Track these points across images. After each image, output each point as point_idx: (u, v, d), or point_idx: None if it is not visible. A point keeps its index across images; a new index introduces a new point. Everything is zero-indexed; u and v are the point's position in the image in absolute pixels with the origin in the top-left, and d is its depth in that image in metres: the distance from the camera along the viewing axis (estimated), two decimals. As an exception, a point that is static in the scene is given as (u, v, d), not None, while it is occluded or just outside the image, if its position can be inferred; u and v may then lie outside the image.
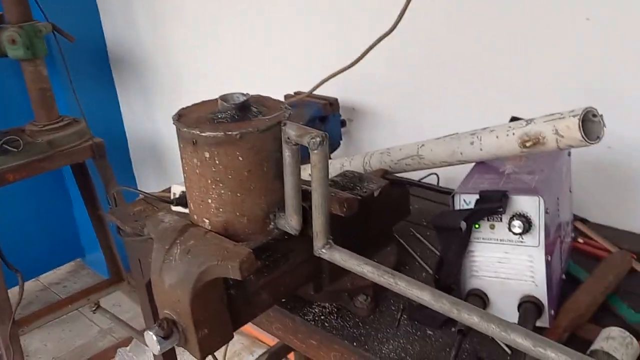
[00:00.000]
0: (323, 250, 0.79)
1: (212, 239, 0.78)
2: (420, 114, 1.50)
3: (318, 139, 0.72)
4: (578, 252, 1.05)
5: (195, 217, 0.83)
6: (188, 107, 0.85)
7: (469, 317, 0.65)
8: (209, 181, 0.78)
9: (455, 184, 1.19)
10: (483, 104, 1.35)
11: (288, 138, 0.75)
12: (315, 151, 0.72)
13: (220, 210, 0.79)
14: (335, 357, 0.94)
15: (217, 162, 0.76)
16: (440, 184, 1.40)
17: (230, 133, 0.75)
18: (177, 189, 1.23)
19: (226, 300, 0.79)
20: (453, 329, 0.88)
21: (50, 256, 2.87)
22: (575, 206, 1.15)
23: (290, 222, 0.81)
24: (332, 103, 1.53)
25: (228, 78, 2.09)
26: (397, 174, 1.16)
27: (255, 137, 0.77)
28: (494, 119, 1.01)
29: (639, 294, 0.92)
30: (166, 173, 2.60)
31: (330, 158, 1.48)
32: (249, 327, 1.00)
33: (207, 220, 0.81)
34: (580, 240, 1.07)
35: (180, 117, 0.81)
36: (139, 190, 1.26)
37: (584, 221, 1.15)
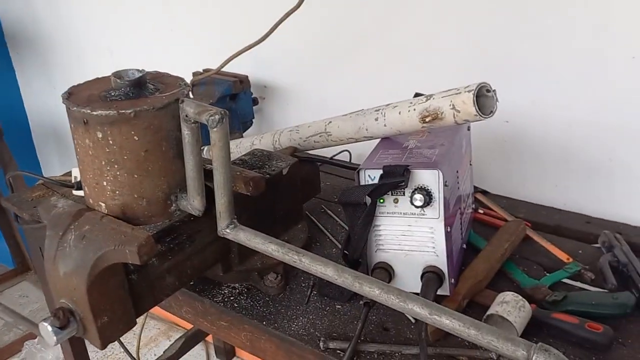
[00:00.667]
0: (227, 231, 0.77)
1: (109, 223, 0.75)
2: (331, 92, 1.51)
3: (217, 117, 0.70)
4: (479, 223, 1.10)
5: (91, 201, 0.79)
6: (80, 84, 0.81)
7: (370, 289, 0.66)
8: (103, 162, 0.74)
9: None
10: (390, 80, 1.37)
11: (186, 116, 0.73)
12: (215, 129, 0.70)
13: (117, 192, 0.76)
14: (246, 337, 0.94)
15: (110, 142, 0.73)
16: (353, 161, 1.42)
17: (123, 111, 0.72)
18: (78, 172, 1.17)
19: (127, 286, 0.76)
20: (361, 302, 0.90)
21: (-54, 248, 2.67)
22: (476, 178, 1.20)
23: (192, 202, 0.78)
24: (243, 80, 1.50)
25: (134, 55, 2.00)
26: (307, 152, 1.16)
27: (152, 115, 0.73)
28: (399, 92, 1.03)
29: (532, 260, 0.98)
30: (71, 156, 2.47)
31: (241, 137, 1.47)
32: (164, 312, 0.98)
33: (103, 204, 0.77)
34: (481, 211, 1.12)
35: (70, 96, 0.76)
36: (37, 175, 1.19)
37: (484, 192, 1.20)
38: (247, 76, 1.51)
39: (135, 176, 0.75)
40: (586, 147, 1.14)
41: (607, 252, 0.95)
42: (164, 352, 1.83)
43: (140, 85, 0.77)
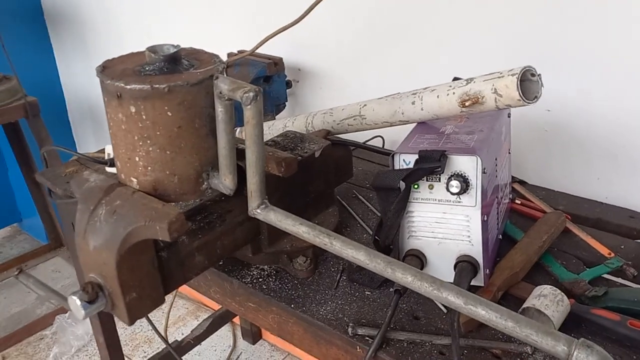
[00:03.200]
0: (258, 211, 0.76)
1: (140, 199, 0.74)
2: (366, 75, 1.48)
3: (251, 94, 0.68)
4: (516, 213, 1.07)
5: (123, 177, 0.79)
6: (114, 58, 0.80)
7: (402, 276, 0.64)
8: (136, 137, 0.73)
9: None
10: (428, 64, 1.33)
11: (220, 92, 0.71)
12: (249, 106, 0.69)
13: (149, 168, 0.75)
14: (274, 320, 0.93)
15: (144, 117, 0.72)
16: (386, 147, 1.40)
17: (157, 86, 0.70)
18: (111, 150, 1.18)
19: (157, 263, 0.76)
20: (391, 290, 0.88)
21: (-16, 221, 2.75)
22: (515, 168, 1.16)
23: (224, 181, 0.77)
24: (277, 63, 1.48)
25: (171, 37, 2.00)
26: (340, 135, 1.14)
27: (186, 91, 0.72)
28: (439, 80, 1.00)
29: (571, 253, 0.94)
30: (105, 134, 2.50)
31: (274, 119, 1.45)
32: (193, 292, 0.98)
33: (134, 180, 0.77)
34: (518, 202, 1.09)
35: (105, 69, 0.76)
36: (71, 150, 1.20)
37: (522, 183, 1.16)
38: (281, 58, 1.50)
39: (168, 152, 0.74)
40: (632, 140, 1.09)
41: (652, 248, 0.91)
42: (191, 332, 1.84)
43: (174, 61, 0.76)
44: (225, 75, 0.74)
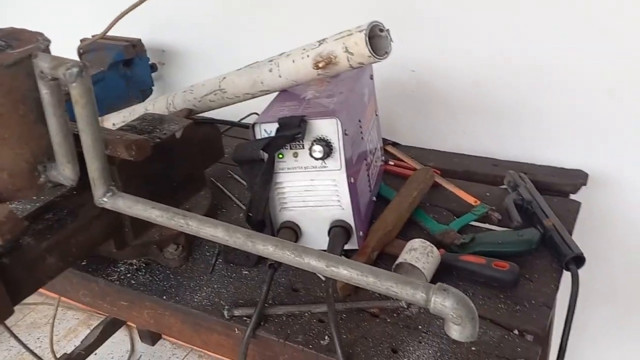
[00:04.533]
0: (104, 200, 0.69)
1: (-36, 201, 0.65)
2: (236, 48, 1.41)
3: (75, 69, 0.61)
4: (390, 175, 1.07)
5: (-57, 179, 0.69)
6: None
7: (263, 247, 0.61)
8: (-52, 132, 0.64)
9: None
10: (294, 29, 1.29)
11: (42, 72, 0.64)
12: (74, 84, 0.62)
13: (-30, 166, 0.66)
14: (149, 315, 0.87)
15: (-47, 107, 0.63)
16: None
17: (-35, 71, 0.62)
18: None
19: (-2, 272, 0.68)
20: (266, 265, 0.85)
21: None
22: (387, 130, 1.17)
23: (63, 172, 0.70)
24: (135, 45, 1.39)
25: (18, 20, 1.82)
26: (205, 114, 1.08)
27: (2, 74, 0.64)
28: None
29: (442, 206, 0.96)
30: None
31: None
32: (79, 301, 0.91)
33: (-45, 181, 0.67)
34: (391, 163, 1.09)
35: None
36: None
37: (394, 144, 1.17)
38: (139, 39, 1.40)
39: (-10, 145, 0.65)
40: (495, 93, 1.13)
41: (513, 192, 0.95)
42: (81, 342, 1.72)
43: (-12, 42, 0.67)
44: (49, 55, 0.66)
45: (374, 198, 0.96)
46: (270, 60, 0.90)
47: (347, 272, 0.56)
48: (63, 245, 0.77)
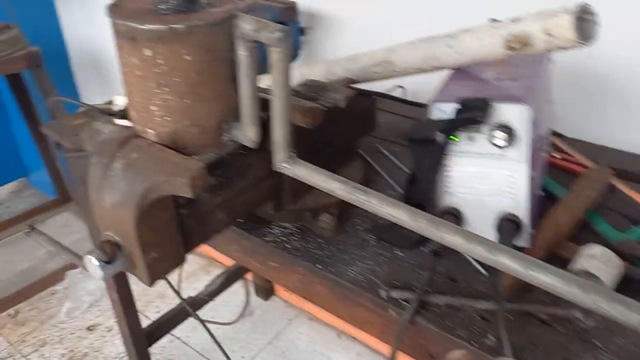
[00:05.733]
0: (285, 165, 0.70)
1: (158, 151, 0.68)
2: (390, 19, 1.38)
3: (279, 34, 0.60)
4: (554, 168, 1.00)
5: (139, 128, 0.72)
6: (124, -4, 0.72)
7: (452, 238, 0.58)
8: (152, 84, 0.66)
9: (422, 97, 1.10)
10: (459, 6, 1.23)
11: (243, 33, 0.64)
12: (276, 49, 0.61)
13: (167, 119, 0.68)
14: (298, 280, 0.88)
15: (160, 61, 0.65)
16: (409, 98, 1.32)
17: (175, 26, 0.63)
18: (120, 101, 1.11)
19: (177, 221, 0.70)
20: (425, 250, 0.82)
21: (-13, 176, 2.69)
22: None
23: (246, 133, 0.71)
24: (291, 7, 1.39)
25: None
26: (361, 84, 1.06)
27: (205, 32, 0.65)
28: (466, 24, 0.91)
29: (618, 211, 0.88)
30: (112, 84, 2.41)
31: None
32: (205, 248, 0.93)
33: (151, 131, 0.70)
34: (557, 156, 1.02)
35: (115, 8, 0.68)
36: (79, 101, 1.13)
37: (559, 135, 1.09)
38: (294, 2, 1.40)
39: (186, 101, 0.67)
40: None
41: None
42: (205, 287, 1.81)
43: (192, 0, 0.68)
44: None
45: (542, 192, 0.89)
46: (449, 36, 0.85)
47: (548, 279, 0.52)
48: (231, 203, 0.79)
